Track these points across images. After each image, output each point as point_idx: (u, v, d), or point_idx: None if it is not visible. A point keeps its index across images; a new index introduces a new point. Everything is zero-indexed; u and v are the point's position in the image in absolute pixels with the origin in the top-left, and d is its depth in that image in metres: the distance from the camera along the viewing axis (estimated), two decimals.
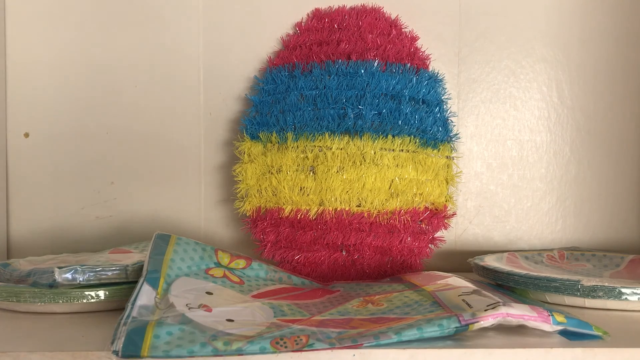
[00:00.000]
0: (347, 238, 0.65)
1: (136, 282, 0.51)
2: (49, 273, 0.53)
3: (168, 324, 0.42)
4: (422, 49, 0.73)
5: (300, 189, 0.65)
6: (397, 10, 0.73)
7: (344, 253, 0.67)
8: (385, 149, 0.65)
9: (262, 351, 0.40)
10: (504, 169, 0.79)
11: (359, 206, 0.65)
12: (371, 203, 0.65)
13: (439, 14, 0.77)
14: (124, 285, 0.54)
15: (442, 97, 0.71)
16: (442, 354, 0.42)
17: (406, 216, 0.66)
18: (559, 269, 0.69)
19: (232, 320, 0.46)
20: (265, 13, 0.75)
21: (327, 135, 0.65)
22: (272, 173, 0.67)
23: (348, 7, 0.73)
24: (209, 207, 0.77)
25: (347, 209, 0.65)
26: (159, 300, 0.48)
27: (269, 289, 0.58)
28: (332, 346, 0.41)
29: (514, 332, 0.45)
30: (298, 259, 0.67)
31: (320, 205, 0.65)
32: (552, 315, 0.44)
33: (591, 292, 0.53)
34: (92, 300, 0.53)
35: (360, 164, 0.64)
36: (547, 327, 0.44)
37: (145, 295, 0.48)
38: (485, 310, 0.44)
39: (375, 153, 0.65)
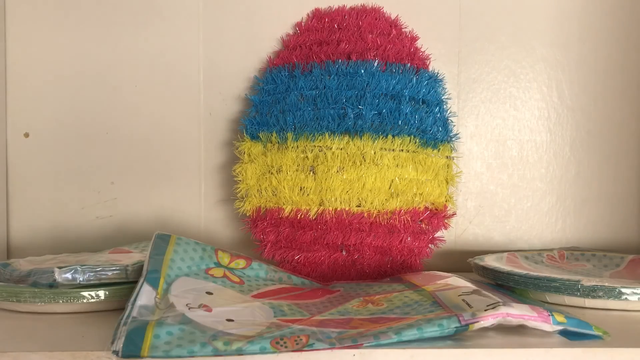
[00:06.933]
0: (347, 238, 0.65)
1: (136, 282, 0.51)
2: (49, 273, 0.53)
3: (168, 324, 0.42)
4: (422, 49, 0.73)
5: (300, 189, 0.65)
6: (397, 10, 0.73)
7: (344, 253, 0.67)
8: (385, 149, 0.65)
9: (262, 351, 0.40)
10: (504, 169, 0.79)
11: (359, 206, 0.65)
12: (371, 203, 0.65)
13: (439, 14, 0.77)
14: (124, 285, 0.54)
15: (442, 97, 0.71)
16: (442, 354, 0.42)
17: (406, 216, 0.66)
18: (559, 269, 0.69)
19: (232, 320, 0.46)
20: (265, 13, 0.75)
21: (327, 135, 0.65)
22: (272, 173, 0.66)
23: (348, 7, 0.73)
24: (209, 207, 0.77)
25: (347, 209, 0.65)
26: (159, 300, 0.48)
27: (269, 289, 0.58)
28: (332, 346, 0.41)
29: (514, 332, 0.45)
30: (298, 259, 0.67)
31: (320, 205, 0.65)
32: (552, 315, 0.44)
33: (591, 292, 0.53)
34: (92, 300, 0.53)
35: (360, 164, 0.64)
36: (547, 327, 0.44)
37: (145, 295, 0.48)
38: (485, 310, 0.44)
39: (375, 153, 0.65)
